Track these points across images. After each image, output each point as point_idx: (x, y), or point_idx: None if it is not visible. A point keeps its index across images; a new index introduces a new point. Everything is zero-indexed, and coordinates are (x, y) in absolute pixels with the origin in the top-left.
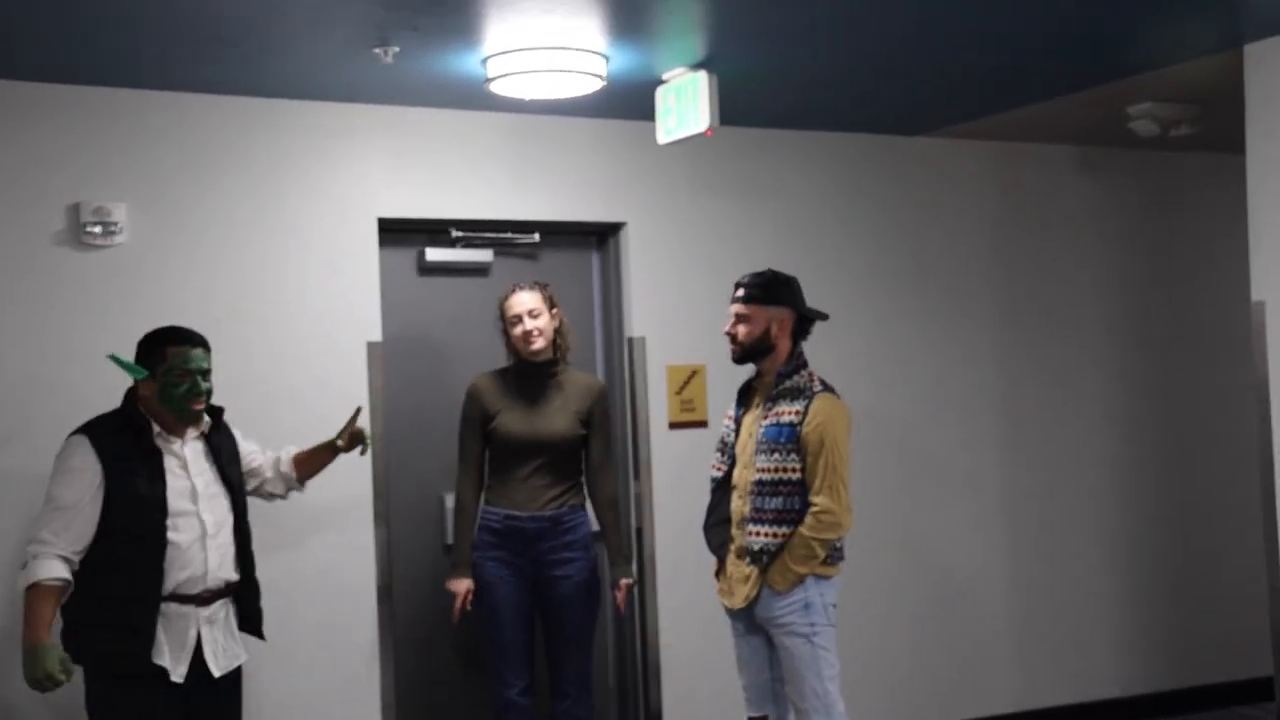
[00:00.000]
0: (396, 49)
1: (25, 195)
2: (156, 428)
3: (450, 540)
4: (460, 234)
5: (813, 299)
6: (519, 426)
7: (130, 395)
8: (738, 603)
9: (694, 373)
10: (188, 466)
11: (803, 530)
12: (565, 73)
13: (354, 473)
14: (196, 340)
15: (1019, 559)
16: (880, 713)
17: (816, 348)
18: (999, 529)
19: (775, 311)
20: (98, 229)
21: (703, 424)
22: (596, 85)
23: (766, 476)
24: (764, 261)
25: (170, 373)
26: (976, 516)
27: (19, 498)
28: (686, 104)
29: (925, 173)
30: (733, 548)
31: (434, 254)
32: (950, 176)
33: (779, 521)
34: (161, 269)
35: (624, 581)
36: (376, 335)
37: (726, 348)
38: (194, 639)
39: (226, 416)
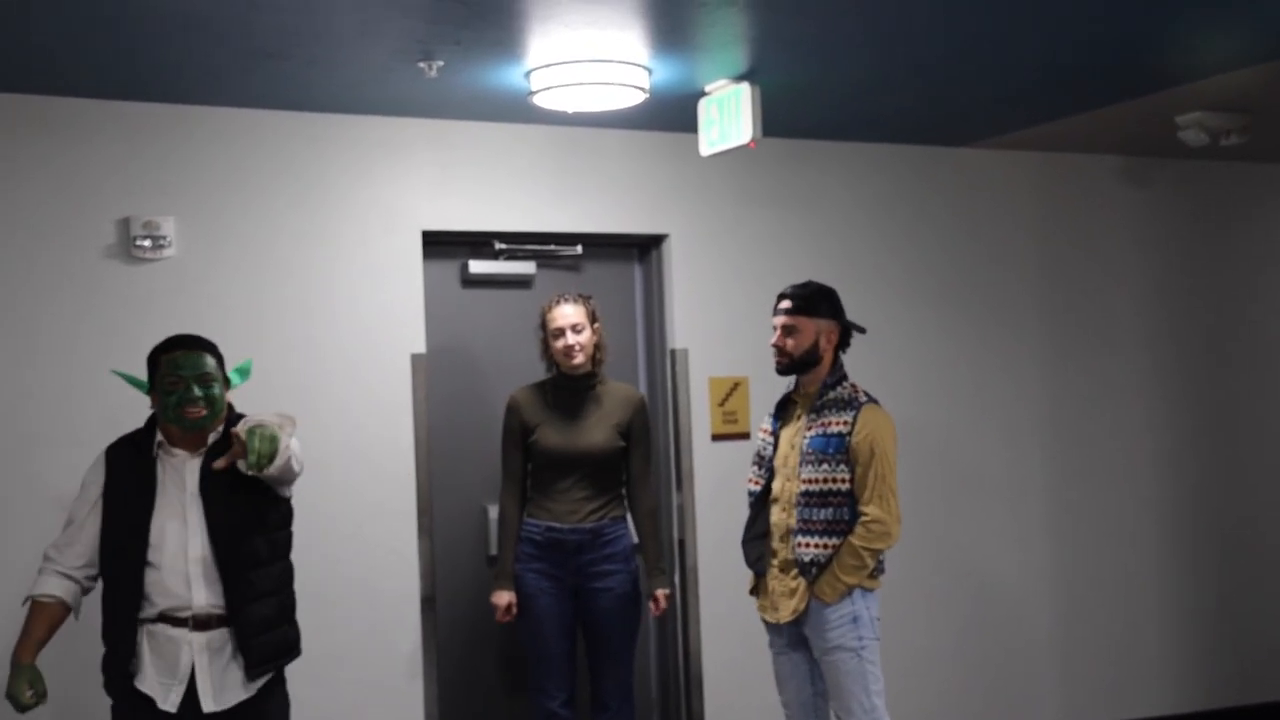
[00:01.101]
0: (440, 63)
1: (77, 209)
2: (160, 438)
3: (493, 551)
4: (503, 246)
5: (854, 310)
6: (558, 440)
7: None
8: (784, 617)
9: (736, 385)
10: (185, 485)
11: (853, 540)
12: (608, 85)
13: (398, 484)
14: (190, 344)
15: (1062, 572)
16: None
17: (858, 359)
18: (1041, 542)
19: (823, 324)
20: (147, 242)
21: (745, 436)
22: (639, 98)
23: (814, 488)
24: (806, 273)
25: (163, 381)
26: (1019, 529)
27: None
28: (729, 116)
29: (968, 184)
30: (775, 562)
31: (477, 266)
32: (993, 188)
33: (829, 533)
34: (209, 281)
35: (660, 593)
36: (420, 347)
37: (770, 359)
38: (188, 666)
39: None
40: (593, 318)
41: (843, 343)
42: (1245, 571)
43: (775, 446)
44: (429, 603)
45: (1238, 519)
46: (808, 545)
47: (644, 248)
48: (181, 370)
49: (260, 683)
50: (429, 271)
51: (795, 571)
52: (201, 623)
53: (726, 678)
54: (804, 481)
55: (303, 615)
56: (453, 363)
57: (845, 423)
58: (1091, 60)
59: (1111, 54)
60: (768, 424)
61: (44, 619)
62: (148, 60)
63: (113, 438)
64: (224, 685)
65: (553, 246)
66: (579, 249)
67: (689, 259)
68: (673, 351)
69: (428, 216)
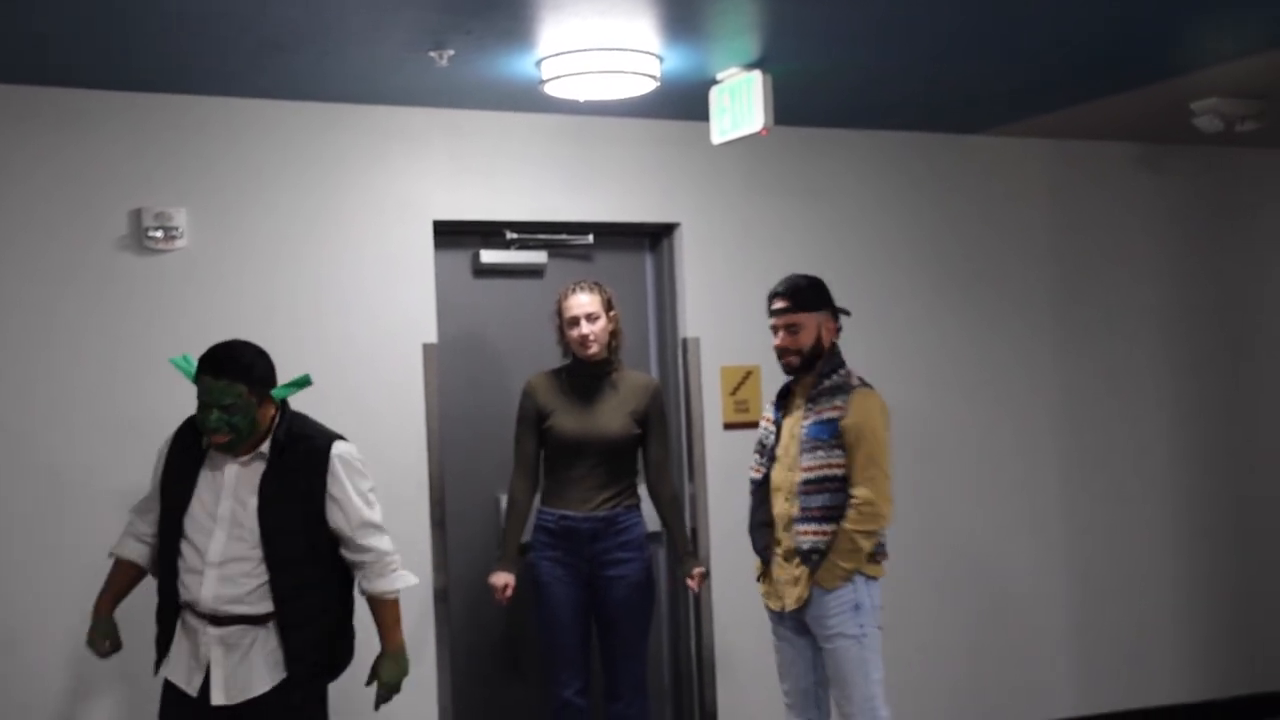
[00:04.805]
0: (451, 52)
1: (89, 201)
2: (207, 440)
3: None
4: (514, 236)
5: (866, 299)
6: (573, 426)
7: None
8: (789, 604)
9: (748, 374)
10: (222, 489)
11: (844, 525)
12: (619, 74)
13: (410, 475)
14: (220, 370)
15: (1076, 560)
16: (938, 716)
17: (870, 348)
18: (1056, 532)
19: (820, 316)
20: (159, 233)
21: (757, 425)
22: (650, 86)
23: (812, 475)
24: (819, 261)
25: (198, 399)
26: (1032, 519)
27: (80, 496)
28: (741, 104)
29: (981, 172)
30: (779, 551)
31: (488, 256)
32: (1006, 175)
33: (826, 519)
34: (221, 272)
35: (697, 571)
36: (432, 337)
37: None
38: (205, 656)
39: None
40: (608, 306)
41: (836, 330)
42: (1262, 559)
43: (777, 436)
44: (442, 594)
45: (1254, 506)
46: (807, 533)
47: (655, 236)
48: (204, 397)
49: (272, 685)
50: (440, 261)
51: (798, 560)
52: (214, 618)
53: (739, 666)
54: (803, 470)
55: None
56: (464, 353)
57: (839, 408)
58: (1105, 46)
59: (1125, 40)
60: (769, 412)
61: (122, 575)
62: (160, 52)
63: (125, 427)
64: (235, 681)
65: (564, 236)
66: (590, 238)
67: (700, 248)
68: (684, 340)
69: (439, 206)
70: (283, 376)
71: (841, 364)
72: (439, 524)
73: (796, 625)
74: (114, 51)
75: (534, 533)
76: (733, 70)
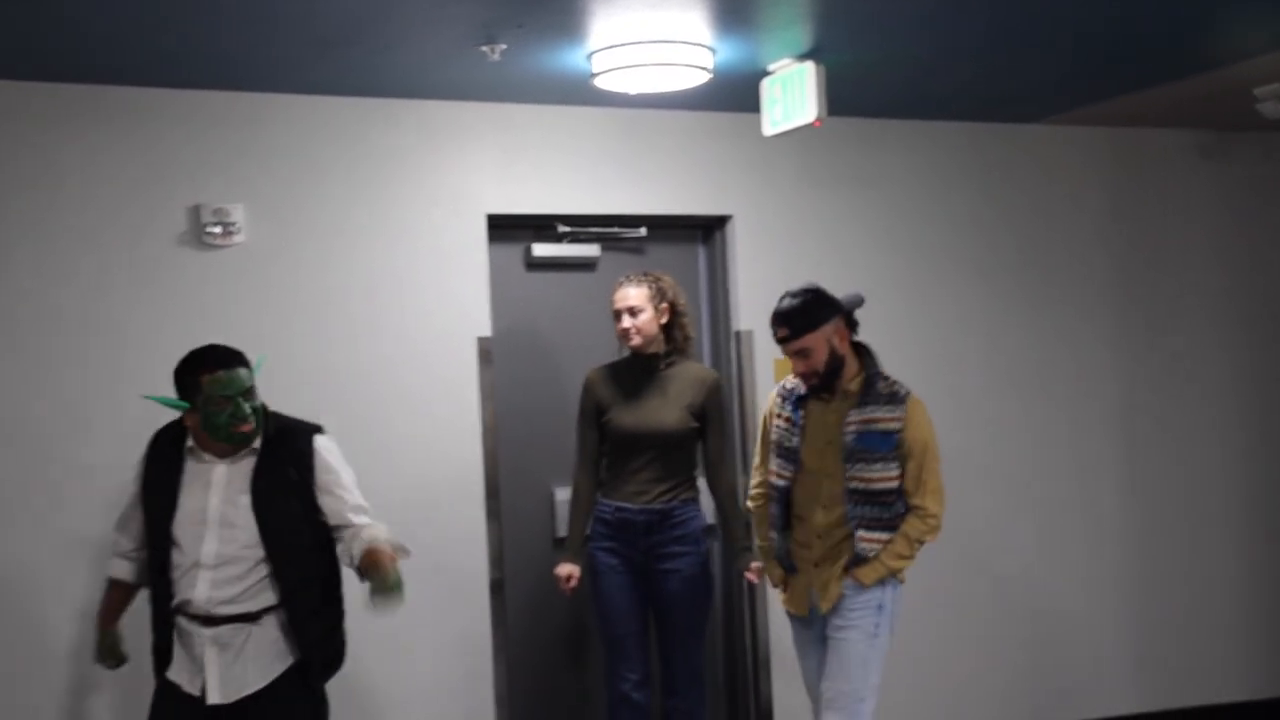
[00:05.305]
0: (503, 46)
1: (149, 198)
2: (191, 443)
3: (561, 533)
4: (567, 229)
5: (918, 292)
6: (628, 420)
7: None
8: (824, 607)
9: None
10: (210, 488)
11: (907, 529)
12: (671, 66)
13: (465, 468)
14: (233, 361)
15: (1135, 563)
16: (995, 711)
17: (922, 342)
18: (1112, 528)
19: (826, 330)
20: (218, 229)
21: None
22: (702, 78)
23: (866, 486)
24: (871, 254)
25: (209, 403)
26: (1089, 513)
27: None
28: (793, 95)
29: (1037, 162)
30: (812, 557)
31: (541, 249)
32: (1063, 165)
33: (890, 527)
34: (277, 267)
35: (755, 565)
36: (486, 331)
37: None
38: (201, 657)
39: (344, 434)
40: (659, 298)
41: (852, 328)
42: None
43: (800, 438)
44: (498, 586)
45: None
46: (872, 540)
47: (708, 229)
48: (227, 391)
49: (269, 679)
50: (494, 255)
51: (841, 561)
52: (207, 619)
53: (794, 661)
54: (856, 479)
55: None
56: (518, 346)
57: (896, 419)
58: (1165, 31)
59: (1186, 24)
60: (786, 411)
61: (116, 594)
62: (217, 49)
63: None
64: (231, 679)
65: (616, 229)
66: (643, 231)
67: (753, 240)
68: (737, 333)
69: (492, 200)
70: (336, 371)
71: (878, 367)
72: (494, 516)
73: (822, 629)
74: (172, 50)
75: (593, 524)
76: (785, 61)
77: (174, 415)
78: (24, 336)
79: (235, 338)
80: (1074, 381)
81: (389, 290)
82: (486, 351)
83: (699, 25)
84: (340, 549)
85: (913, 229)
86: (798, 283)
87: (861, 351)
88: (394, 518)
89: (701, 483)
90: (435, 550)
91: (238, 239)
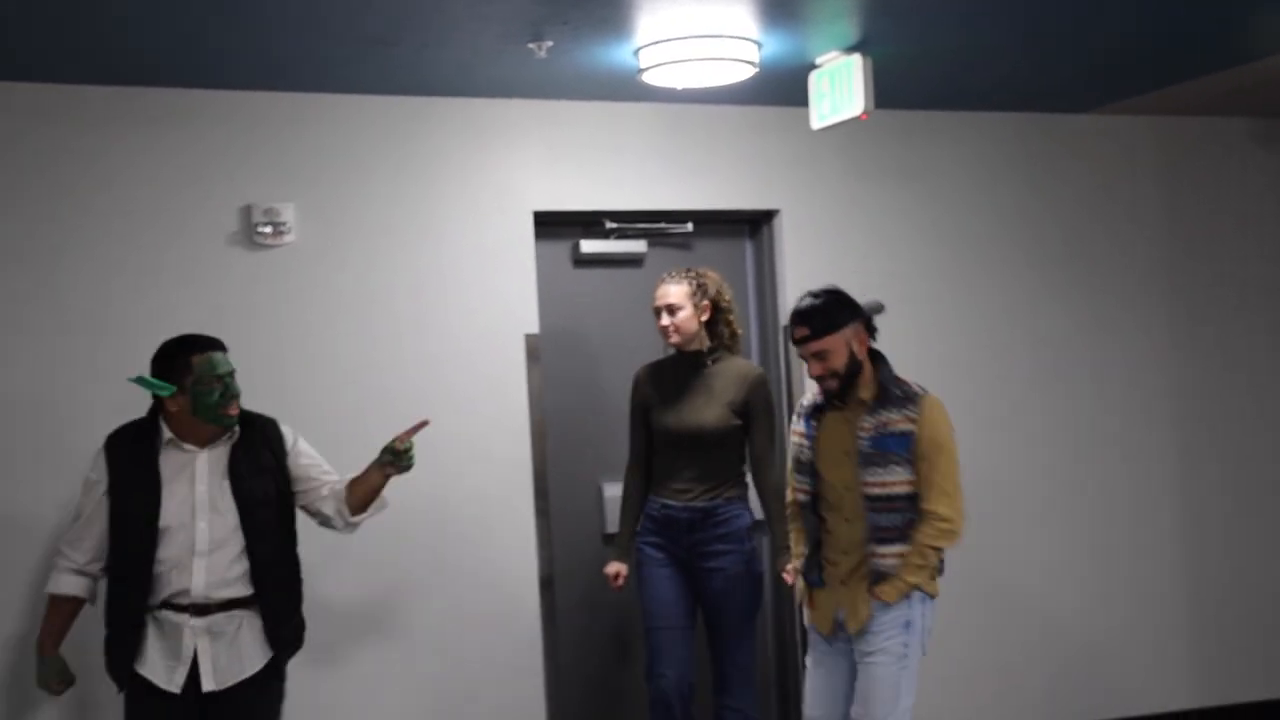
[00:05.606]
0: (550, 43)
1: (201, 198)
2: (169, 435)
3: (610, 529)
4: (614, 225)
5: (967, 286)
6: (669, 418)
7: (156, 404)
8: (853, 627)
9: None
10: (196, 477)
11: (920, 538)
12: (717, 61)
13: (514, 465)
14: (218, 344)
15: (1190, 553)
16: (1041, 707)
17: (969, 333)
18: (1168, 522)
19: (847, 332)
20: (268, 229)
21: None
22: (749, 72)
23: (885, 491)
24: (919, 247)
25: (199, 382)
26: (1143, 508)
27: None
28: (840, 88)
29: (1088, 152)
30: (838, 573)
31: (588, 245)
32: (1114, 156)
33: (904, 538)
34: (326, 266)
35: (791, 565)
36: (534, 328)
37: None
38: (190, 649)
39: (313, 419)
40: (701, 294)
41: (870, 333)
42: None
43: (814, 450)
44: (547, 583)
45: None
46: (887, 555)
47: (755, 223)
48: (219, 370)
49: (263, 663)
50: (541, 252)
51: (868, 579)
52: (200, 609)
53: None
54: (871, 485)
55: (425, 596)
56: (565, 343)
57: (909, 419)
58: (1218, 17)
59: (1239, 10)
60: (801, 426)
61: (60, 612)
62: (264, 50)
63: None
64: (224, 665)
65: (663, 224)
66: (690, 226)
67: (800, 234)
68: (785, 328)
69: (538, 197)
70: (382, 369)
71: (893, 374)
72: (543, 513)
73: (847, 647)
74: (220, 51)
75: (642, 520)
76: (832, 54)
77: (122, 420)
78: (74, 339)
79: (284, 337)
80: (1122, 372)
81: (436, 288)
82: (534, 349)
83: (745, 19)
84: (323, 504)
85: (959, 221)
86: (849, 274)
87: (877, 359)
88: (442, 515)
89: (750, 480)
90: (484, 547)
91: (288, 239)
